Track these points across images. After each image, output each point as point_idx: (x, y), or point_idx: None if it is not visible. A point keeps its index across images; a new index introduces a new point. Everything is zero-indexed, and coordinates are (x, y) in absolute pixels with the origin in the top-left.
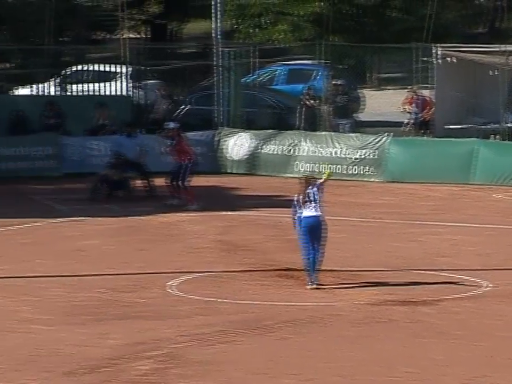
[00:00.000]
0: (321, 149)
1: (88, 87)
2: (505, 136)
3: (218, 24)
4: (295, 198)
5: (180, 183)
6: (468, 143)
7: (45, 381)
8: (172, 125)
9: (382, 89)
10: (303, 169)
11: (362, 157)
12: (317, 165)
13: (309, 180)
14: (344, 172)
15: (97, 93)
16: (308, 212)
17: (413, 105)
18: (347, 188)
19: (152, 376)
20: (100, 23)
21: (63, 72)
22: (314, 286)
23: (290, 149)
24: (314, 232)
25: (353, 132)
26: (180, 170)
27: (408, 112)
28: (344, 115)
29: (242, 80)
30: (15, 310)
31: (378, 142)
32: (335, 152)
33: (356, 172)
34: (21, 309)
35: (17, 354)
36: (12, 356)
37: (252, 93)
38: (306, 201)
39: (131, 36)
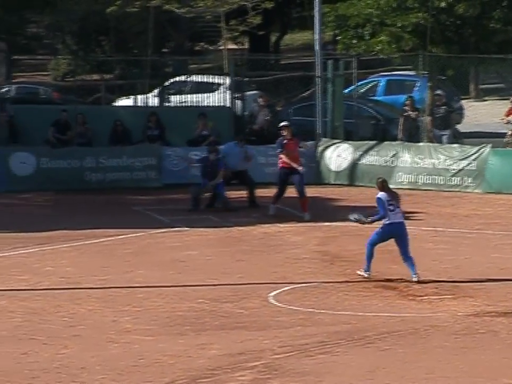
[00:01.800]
0: (421, 160)
1: (189, 98)
2: None
3: (319, 35)
4: (381, 199)
5: (299, 190)
6: None
7: None
8: (283, 123)
9: (484, 100)
10: (403, 180)
11: (462, 168)
12: (417, 176)
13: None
14: (444, 183)
15: (198, 104)
16: (394, 217)
17: None
18: (447, 199)
19: None
20: (201, 34)
21: (164, 83)
22: (366, 275)
23: (391, 160)
24: (398, 237)
25: (453, 142)
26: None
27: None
28: (444, 126)
29: (344, 91)
30: (116, 321)
31: (478, 153)
32: (435, 163)
33: (456, 183)
34: (121, 319)
35: (118, 364)
36: (113, 365)
37: (352, 104)
38: (391, 205)
39: (232, 46)
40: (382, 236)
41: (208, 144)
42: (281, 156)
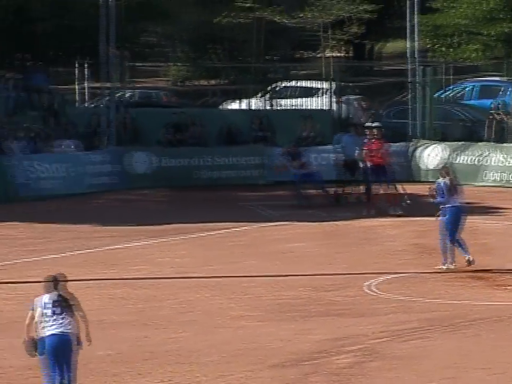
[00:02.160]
0: (509, 160)
1: (293, 102)
2: None
3: (414, 43)
4: (441, 185)
5: (389, 186)
6: None
7: (252, 373)
8: (375, 124)
9: None
10: (491, 178)
11: None
12: (504, 174)
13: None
14: None
15: (301, 107)
16: (453, 202)
17: None
18: None
19: (352, 369)
20: (305, 43)
21: (270, 87)
22: (445, 267)
23: (480, 160)
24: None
25: None
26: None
27: None
28: None
29: (435, 95)
30: (224, 307)
31: None
32: None
33: None
34: (230, 306)
35: (228, 348)
36: (223, 349)
37: (444, 108)
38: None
39: (333, 54)
40: (451, 221)
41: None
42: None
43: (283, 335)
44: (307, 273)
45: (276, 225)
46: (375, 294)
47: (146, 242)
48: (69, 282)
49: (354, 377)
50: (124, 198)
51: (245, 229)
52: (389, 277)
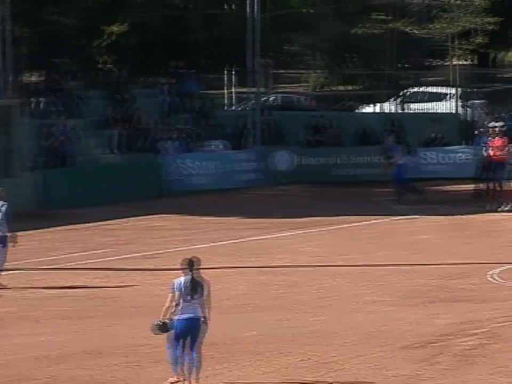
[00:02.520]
0: None
1: (422, 106)
2: None
3: None
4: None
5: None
6: None
7: (384, 353)
8: (498, 124)
9: None
10: None
11: None
12: None
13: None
14: None
15: (430, 111)
16: None
17: None
18: None
19: (476, 351)
20: (433, 52)
21: (401, 93)
22: None
23: None
24: None
25: None
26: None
27: None
28: None
29: None
30: (358, 293)
31: None
32: None
33: None
34: (363, 292)
35: (361, 330)
36: (357, 332)
37: None
38: None
39: (459, 62)
40: None
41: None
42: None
43: (412, 319)
44: (435, 263)
45: (405, 219)
46: (497, 282)
47: (289, 233)
48: (218, 269)
49: (478, 358)
50: (268, 193)
51: (378, 221)
52: (511, 266)
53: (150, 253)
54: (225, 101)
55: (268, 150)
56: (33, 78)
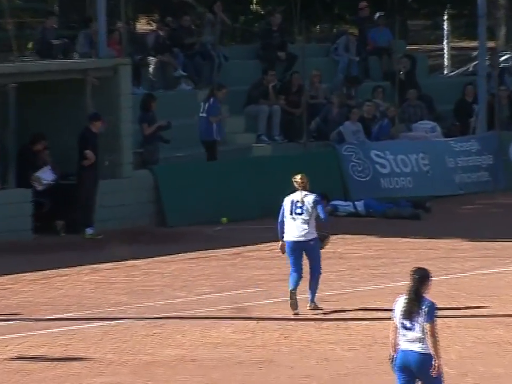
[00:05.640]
0: None
1: None
2: None
3: None
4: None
5: None
6: None
7: None
8: None
9: None
10: None
11: None
12: None
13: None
14: None
15: None
16: None
17: None
18: None
19: None
20: None
21: None
22: None
23: None
24: None
25: None
26: None
27: None
28: None
29: None
30: None
31: None
32: None
33: None
34: None
35: None
36: None
37: None
38: None
39: None
40: None
41: None
42: None
43: None
44: None
45: None
46: None
47: None
48: None
49: None
50: (504, 202)
51: None
52: None
53: None
54: (445, 61)
55: (504, 136)
56: (151, 26)
